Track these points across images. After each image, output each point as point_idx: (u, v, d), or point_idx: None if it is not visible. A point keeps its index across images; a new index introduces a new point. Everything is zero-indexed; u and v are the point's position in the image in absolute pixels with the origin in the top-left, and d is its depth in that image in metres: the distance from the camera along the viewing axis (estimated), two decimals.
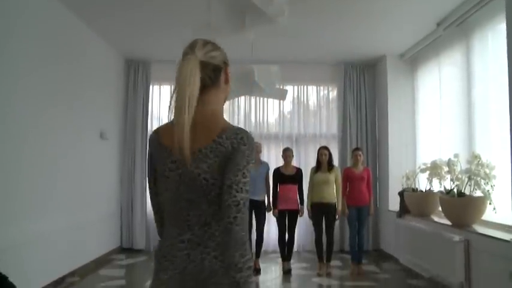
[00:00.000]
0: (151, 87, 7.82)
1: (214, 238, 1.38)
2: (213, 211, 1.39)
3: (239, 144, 1.38)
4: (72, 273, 5.68)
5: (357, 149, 6.34)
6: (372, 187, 6.38)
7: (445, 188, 5.12)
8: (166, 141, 1.44)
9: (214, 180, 1.37)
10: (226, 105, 7.62)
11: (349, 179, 6.12)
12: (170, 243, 1.43)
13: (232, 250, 1.29)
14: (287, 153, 6.26)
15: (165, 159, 1.43)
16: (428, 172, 5.54)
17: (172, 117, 1.34)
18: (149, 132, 7.48)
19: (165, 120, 6.67)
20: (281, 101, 7.77)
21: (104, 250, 6.87)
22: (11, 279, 3.61)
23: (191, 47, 1.44)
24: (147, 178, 1.64)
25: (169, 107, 1.37)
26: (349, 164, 7.20)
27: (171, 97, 1.37)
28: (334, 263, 6.56)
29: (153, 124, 7.89)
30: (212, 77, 1.46)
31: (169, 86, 7.96)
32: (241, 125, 7.70)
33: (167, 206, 1.46)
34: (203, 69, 1.41)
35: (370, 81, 7.87)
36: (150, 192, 1.61)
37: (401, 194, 6.28)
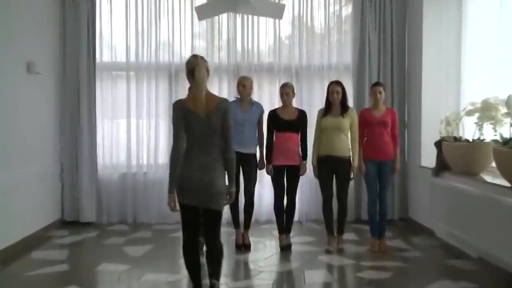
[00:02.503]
0: (97, 1, 7.59)
1: (214, 151, 3.94)
2: (216, 139, 3.93)
3: (227, 108, 3.97)
4: None
5: (377, 84, 6.30)
6: (399, 135, 6.36)
7: (501, 136, 5.06)
8: (192, 107, 3.87)
9: (218, 125, 3.90)
10: (204, 29, 7.78)
11: (367, 124, 6.07)
12: (193, 155, 3.91)
13: (228, 152, 4.00)
14: (286, 91, 6.16)
15: (193, 117, 3.87)
16: (477, 115, 5.49)
17: (195, 93, 3.88)
18: (97, 61, 7.60)
19: (119, 47, 7.81)
20: (276, 21, 7.66)
21: (38, 225, 6.79)
22: None
23: (196, 59, 3.95)
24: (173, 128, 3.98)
25: (192, 87, 3.95)
26: (367, 104, 7.22)
27: (192, 81, 3.93)
28: (348, 236, 6.57)
29: (103, 51, 7.73)
30: (206, 75, 3.96)
31: (123, 1, 7.72)
32: (224, 53, 7.90)
33: (194, 139, 3.90)
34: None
35: None
36: (179, 134, 3.91)
37: (438, 144, 6.22)
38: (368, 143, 6.05)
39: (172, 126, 4.00)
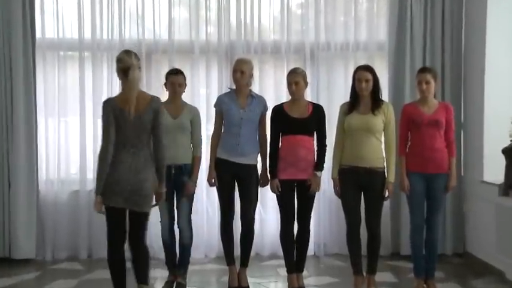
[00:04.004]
0: None
1: (144, 150, 5.08)
2: (146, 137, 5.11)
3: (159, 106, 5.21)
4: None
5: (424, 70, 6.19)
6: (455, 140, 6.24)
7: None
8: (123, 106, 4.93)
9: (149, 123, 5.07)
10: (187, 4, 7.85)
11: (413, 124, 6.01)
12: (122, 155, 4.95)
13: (159, 151, 5.18)
14: (295, 79, 6.06)
15: (123, 117, 4.94)
16: None
17: (127, 94, 4.96)
18: (38, 37, 7.60)
19: (69, 18, 7.85)
20: None
21: None
22: None
23: (130, 58, 4.96)
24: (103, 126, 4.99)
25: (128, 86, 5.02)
26: (407, 97, 7.31)
27: (124, 80, 5.02)
28: (383, 276, 6.56)
29: (46, 24, 7.63)
30: (140, 75, 5.30)
31: None
32: (213, 28, 7.92)
33: (124, 140, 4.97)
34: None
35: None
36: (110, 134, 4.88)
37: (508, 152, 6.34)
38: (413, 150, 5.99)
39: (102, 126, 5.03)
